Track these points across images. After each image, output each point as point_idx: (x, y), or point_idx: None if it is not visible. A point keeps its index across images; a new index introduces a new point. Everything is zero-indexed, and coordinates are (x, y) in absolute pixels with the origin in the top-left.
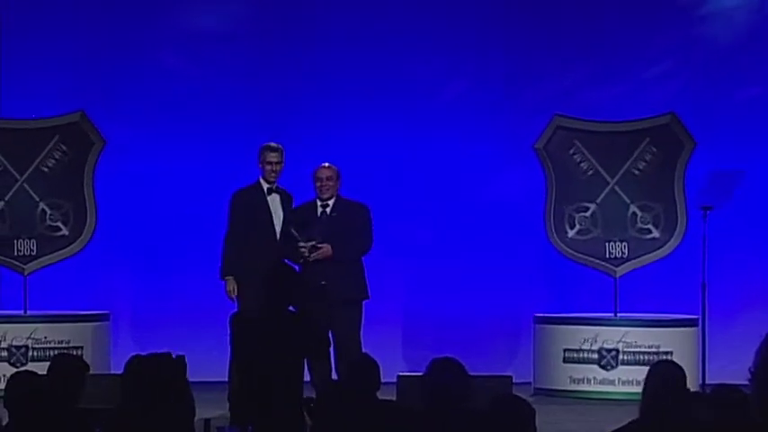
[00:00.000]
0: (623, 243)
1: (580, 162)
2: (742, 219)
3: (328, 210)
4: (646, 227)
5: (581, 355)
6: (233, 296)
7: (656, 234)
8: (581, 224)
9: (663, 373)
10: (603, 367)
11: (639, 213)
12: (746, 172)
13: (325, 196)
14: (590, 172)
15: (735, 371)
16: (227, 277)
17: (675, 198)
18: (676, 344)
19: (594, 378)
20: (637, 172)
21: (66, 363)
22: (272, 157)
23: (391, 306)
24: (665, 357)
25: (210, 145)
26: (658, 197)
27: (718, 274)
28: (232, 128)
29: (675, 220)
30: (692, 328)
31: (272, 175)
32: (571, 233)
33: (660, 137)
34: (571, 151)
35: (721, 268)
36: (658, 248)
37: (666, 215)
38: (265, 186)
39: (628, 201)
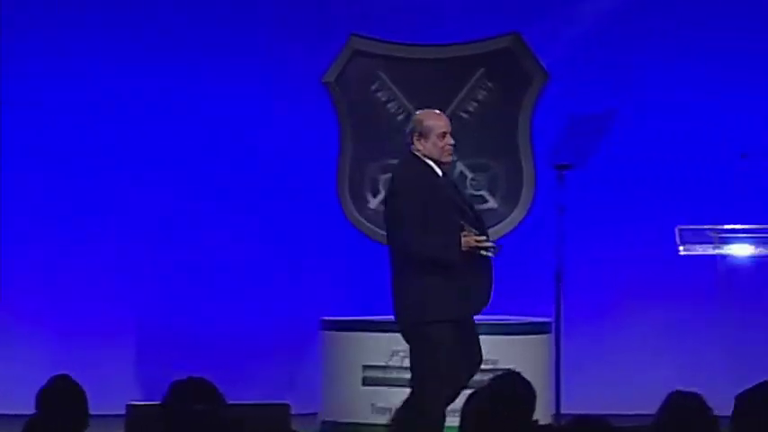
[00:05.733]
0: None
1: (387, 102)
2: (608, 180)
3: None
4: (478, 193)
5: (388, 374)
6: None
7: (492, 203)
8: None
9: (501, 395)
10: None
11: (470, 175)
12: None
13: (450, 159)
14: (400, 116)
15: (592, 395)
16: None
17: (520, 153)
18: (522, 356)
19: None
20: (467, 116)
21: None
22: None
23: (120, 315)
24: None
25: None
26: (497, 153)
27: (578, 263)
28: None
29: (520, 183)
30: (543, 336)
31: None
32: (374, 202)
33: (496, 66)
34: (374, 87)
35: (584, 256)
36: (496, 224)
37: (509, 177)
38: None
39: (454, 157)
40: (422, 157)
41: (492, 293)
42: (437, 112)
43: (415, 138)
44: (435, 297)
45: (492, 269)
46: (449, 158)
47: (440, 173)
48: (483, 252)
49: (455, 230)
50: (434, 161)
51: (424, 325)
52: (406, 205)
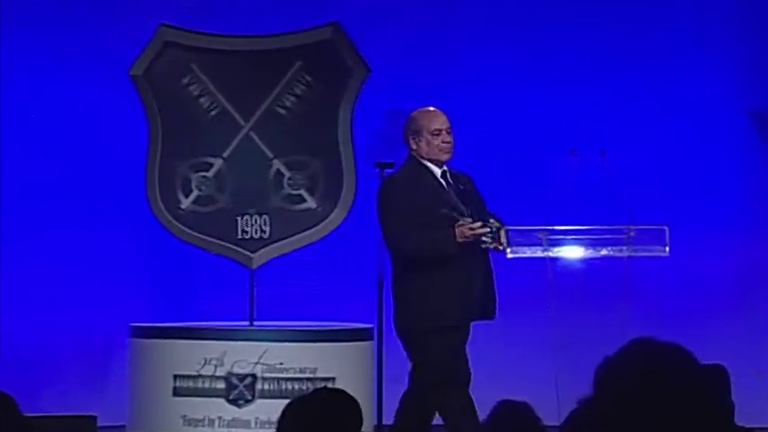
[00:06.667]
0: (263, 217)
1: (199, 96)
2: None
3: (450, 180)
4: (296, 193)
5: (200, 383)
6: None
7: (311, 203)
8: (201, 189)
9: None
10: (234, 402)
11: (287, 173)
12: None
13: (448, 157)
14: (214, 111)
15: None
16: None
17: (341, 150)
18: (343, 364)
19: (221, 418)
20: (284, 111)
21: None
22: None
23: None
24: (325, 385)
25: None
26: (316, 150)
27: None
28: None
29: (340, 182)
30: (364, 343)
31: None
32: (186, 202)
33: (315, 59)
34: (186, 80)
35: None
36: (315, 225)
37: (328, 176)
38: None
39: (270, 155)
40: (417, 157)
41: (496, 302)
42: (431, 109)
43: (410, 137)
44: (433, 303)
45: (492, 274)
46: (446, 156)
47: (437, 171)
48: (483, 238)
49: (447, 226)
50: (431, 160)
51: (421, 334)
52: (395, 205)
